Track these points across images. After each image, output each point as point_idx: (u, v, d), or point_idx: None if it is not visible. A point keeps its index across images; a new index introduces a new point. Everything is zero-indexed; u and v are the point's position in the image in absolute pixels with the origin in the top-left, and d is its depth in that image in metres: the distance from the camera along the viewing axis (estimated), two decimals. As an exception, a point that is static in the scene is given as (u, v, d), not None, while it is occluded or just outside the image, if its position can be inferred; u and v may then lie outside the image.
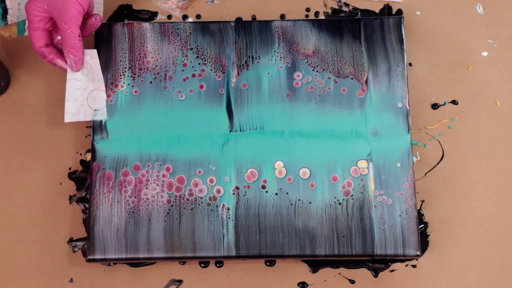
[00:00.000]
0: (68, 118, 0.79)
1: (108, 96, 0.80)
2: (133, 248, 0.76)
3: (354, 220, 0.76)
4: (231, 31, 0.82)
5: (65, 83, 0.79)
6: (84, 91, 0.79)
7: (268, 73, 0.81)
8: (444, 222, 0.79)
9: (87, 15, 0.78)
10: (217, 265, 0.78)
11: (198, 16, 0.86)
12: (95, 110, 0.79)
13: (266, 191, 0.77)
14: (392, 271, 0.78)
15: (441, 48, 0.84)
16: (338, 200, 0.77)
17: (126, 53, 0.81)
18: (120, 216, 0.76)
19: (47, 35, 0.78)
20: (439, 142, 0.82)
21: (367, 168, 0.77)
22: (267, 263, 0.78)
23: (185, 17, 0.86)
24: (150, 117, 0.79)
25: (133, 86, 0.80)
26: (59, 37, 0.79)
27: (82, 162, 0.81)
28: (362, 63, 0.81)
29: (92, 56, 0.79)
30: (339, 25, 0.82)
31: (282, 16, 0.86)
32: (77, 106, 0.79)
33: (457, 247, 0.78)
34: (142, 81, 0.81)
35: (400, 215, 0.76)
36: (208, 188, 0.77)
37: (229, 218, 0.76)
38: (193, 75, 0.81)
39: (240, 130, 0.79)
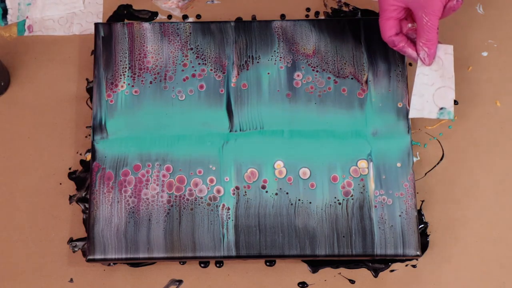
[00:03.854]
0: (413, 113, 0.76)
1: (108, 96, 0.80)
2: (133, 248, 0.76)
3: (354, 220, 0.76)
4: (231, 31, 0.82)
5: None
6: (431, 87, 0.76)
7: (268, 73, 0.81)
8: (444, 222, 0.79)
9: None
10: (217, 265, 0.78)
11: (198, 16, 0.86)
12: (441, 108, 0.75)
13: (266, 191, 0.77)
14: (392, 271, 0.78)
15: (441, 48, 0.84)
16: (338, 200, 0.77)
17: (126, 53, 0.81)
18: (120, 216, 0.76)
19: (398, 24, 0.76)
20: (439, 142, 0.82)
21: (367, 168, 0.77)
22: (267, 263, 0.78)
23: (185, 17, 0.86)
24: (150, 117, 0.79)
25: (133, 86, 0.80)
26: (409, 25, 0.76)
27: (82, 162, 0.81)
28: (362, 63, 0.81)
29: (446, 52, 0.76)
30: (339, 25, 0.82)
31: (282, 16, 0.86)
32: (422, 101, 0.76)
33: (457, 247, 0.78)
34: (142, 81, 0.81)
35: (400, 215, 0.76)
36: (208, 188, 0.77)
37: (229, 218, 0.76)
38: (193, 75, 0.81)
39: (240, 130, 0.79)
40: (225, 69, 0.81)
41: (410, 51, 0.76)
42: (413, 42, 0.76)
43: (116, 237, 0.76)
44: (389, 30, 0.75)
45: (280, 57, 0.81)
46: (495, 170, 0.80)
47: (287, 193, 0.77)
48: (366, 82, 0.80)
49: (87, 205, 0.80)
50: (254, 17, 0.86)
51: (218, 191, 0.77)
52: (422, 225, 0.79)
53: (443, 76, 0.76)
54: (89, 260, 0.76)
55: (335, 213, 0.76)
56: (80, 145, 0.82)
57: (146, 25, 0.82)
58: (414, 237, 0.75)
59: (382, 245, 0.75)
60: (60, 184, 0.81)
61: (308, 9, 0.86)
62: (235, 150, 0.78)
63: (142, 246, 0.76)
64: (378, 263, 0.78)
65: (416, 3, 0.73)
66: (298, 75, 0.81)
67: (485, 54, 0.84)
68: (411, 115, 0.77)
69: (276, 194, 0.77)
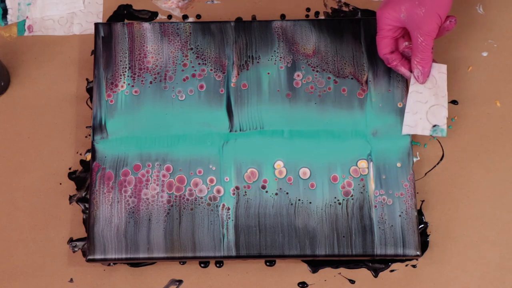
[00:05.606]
0: (406, 130, 0.78)
1: (108, 96, 0.80)
2: (133, 248, 0.76)
3: (354, 220, 0.76)
4: (231, 31, 0.82)
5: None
6: (425, 105, 0.77)
7: (268, 73, 0.81)
8: (444, 222, 0.79)
9: None
10: (217, 265, 0.78)
11: (198, 16, 0.86)
12: (434, 125, 0.77)
13: (266, 191, 0.77)
14: (392, 271, 0.78)
15: (441, 48, 0.84)
16: (338, 200, 0.77)
17: (126, 53, 0.81)
18: (120, 216, 0.76)
19: (394, 42, 0.77)
20: (439, 142, 0.82)
21: (367, 168, 0.77)
22: (267, 263, 0.78)
23: (185, 17, 0.86)
24: (150, 117, 0.79)
25: (133, 86, 0.80)
26: (405, 43, 0.77)
27: (82, 162, 0.81)
28: (362, 63, 0.81)
29: (440, 71, 0.77)
30: (339, 25, 0.82)
31: (282, 16, 0.86)
32: (415, 119, 0.77)
33: (457, 247, 0.78)
34: (142, 81, 0.81)
35: (400, 215, 0.76)
36: (208, 188, 0.77)
37: (229, 218, 0.76)
38: (193, 75, 0.81)
39: (240, 130, 0.79)
40: (225, 69, 0.81)
41: (403, 69, 0.77)
42: (408, 60, 0.78)
43: (116, 237, 0.76)
44: (384, 48, 0.77)
45: (280, 57, 0.81)
46: (495, 170, 0.80)
47: (287, 193, 0.77)
48: (366, 82, 0.80)
49: (87, 205, 0.80)
50: (254, 17, 0.86)
51: (218, 191, 0.77)
52: (422, 225, 0.79)
53: (437, 95, 0.77)
54: (89, 260, 0.76)
55: (335, 213, 0.76)
56: (80, 145, 0.82)
57: (146, 25, 0.82)
58: (414, 237, 0.75)
59: (382, 245, 0.75)
60: (60, 184, 0.81)
61: (308, 9, 0.86)
62: (235, 150, 0.78)
63: (142, 246, 0.76)
64: (378, 263, 0.78)
65: (412, 24, 0.74)
66: (298, 75, 0.81)
67: (485, 54, 0.84)
68: (404, 132, 0.78)
69: (276, 194, 0.77)
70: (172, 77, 0.81)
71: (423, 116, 0.77)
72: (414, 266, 0.78)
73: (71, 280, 0.78)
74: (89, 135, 0.82)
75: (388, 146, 0.78)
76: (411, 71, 0.77)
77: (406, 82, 0.80)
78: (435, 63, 0.78)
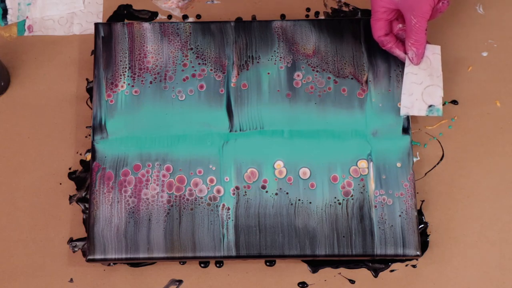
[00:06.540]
0: (403, 111, 0.78)
1: (108, 96, 0.80)
2: (133, 248, 0.76)
3: (354, 220, 0.76)
4: (231, 31, 0.82)
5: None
6: (420, 86, 0.78)
7: (268, 73, 0.81)
8: (444, 222, 0.79)
9: None
10: (217, 265, 0.78)
11: (198, 16, 0.86)
12: (430, 106, 0.77)
13: (266, 191, 0.77)
14: (392, 271, 0.78)
15: (441, 48, 0.84)
16: (338, 200, 0.77)
17: (126, 53, 0.81)
18: (120, 216, 0.76)
19: (388, 25, 0.78)
20: (439, 142, 0.82)
21: (367, 168, 0.77)
22: (267, 263, 0.78)
23: (185, 17, 0.86)
24: (150, 117, 0.79)
25: (133, 86, 0.80)
26: (399, 26, 0.78)
27: (82, 162, 0.81)
28: (362, 63, 0.81)
29: (434, 52, 0.78)
30: (339, 25, 0.82)
31: (282, 16, 0.86)
32: (411, 100, 0.78)
33: (457, 247, 0.78)
34: (142, 81, 0.81)
35: (400, 215, 0.76)
36: (208, 188, 0.77)
37: (229, 218, 0.76)
38: (193, 75, 0.81)
39: (240, 130, 0.79)
40: (225, 69, 0.81)
41: (398, 51, 0.78)
42: (402, 42, 0.78)
43: (116, 237, 0.76)
44: (378, 30, 0.78)
45: (280, 57, 0.81)
46: (495, 170, 0.80)
47: (287, 193, 0.77)
48: (366, 82, 0.80)
49: (87, 205, 0.80)
50: (254, 17, 0.86)
51: (218, 191, 0.77)
52: (422, 225, 0.79)
53: (432, 75, 0.78)
54: (89, 260, 0.76)
55: (335, 213, 0.76)
56: (80, 145, 0.82)
57: (146, 25, 0.82)
58: (414, 237, 0.75)
59: (382, 245, 0.75)
60: (60, 184, 0.81)
61: (308, 9, 0.86)
62: (235, 150, 0.78)
63: (142, 246, 0.76)
64: (378, 263, 0.78)
65: (405, 6, 0.75)
66: (298, 75, 0.81)
67: (485, 54, 0.84)
68: (402, 113, 0.79)
69: (276, 194, 0.77)
70: (172, 77, 0.81)
71: (419, 97, 0.78)
72: (414, 266, 0.78)
73: (71, 280, 0.78)
74: (89, 135, 0.82)
75: (388, 146, 0.78)
76: (405, 53, 0.77)
77: (406, 82, 0.80)
78: (429, 44, 0.78)
